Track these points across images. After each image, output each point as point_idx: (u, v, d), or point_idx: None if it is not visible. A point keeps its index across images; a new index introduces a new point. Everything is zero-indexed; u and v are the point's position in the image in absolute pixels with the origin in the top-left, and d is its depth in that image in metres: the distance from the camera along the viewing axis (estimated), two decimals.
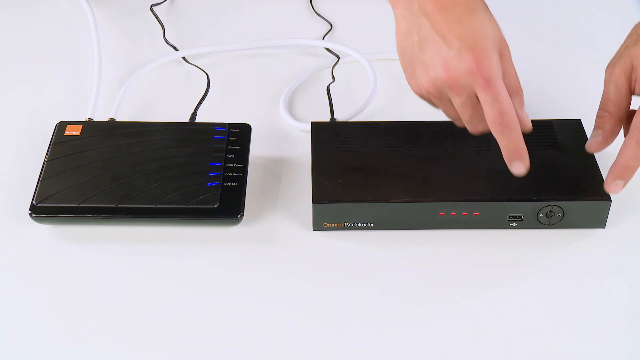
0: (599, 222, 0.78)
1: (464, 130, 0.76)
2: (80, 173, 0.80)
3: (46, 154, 0.82)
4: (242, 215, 0.78)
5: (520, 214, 0.77)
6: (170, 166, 0.80)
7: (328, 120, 0.89)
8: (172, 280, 0.75)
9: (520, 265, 0.77)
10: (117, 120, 0.88)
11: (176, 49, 1.00)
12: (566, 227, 0.78)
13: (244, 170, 0.81)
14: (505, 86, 0.71)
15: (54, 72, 0.98)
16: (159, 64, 0.98)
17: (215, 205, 0.78)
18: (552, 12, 1.07)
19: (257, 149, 0.85)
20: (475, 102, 0.72)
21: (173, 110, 0.92)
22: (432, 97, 0.75)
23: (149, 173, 0.80)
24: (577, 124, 0.84)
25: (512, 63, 0.73)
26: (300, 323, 0.72)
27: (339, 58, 0.99)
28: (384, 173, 0.79)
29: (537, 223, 0.78)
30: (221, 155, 0.82)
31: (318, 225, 0.78)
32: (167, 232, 0.79)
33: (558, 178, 0.78)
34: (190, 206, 0.77)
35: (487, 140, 0.74)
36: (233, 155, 0.82)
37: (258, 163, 0.85)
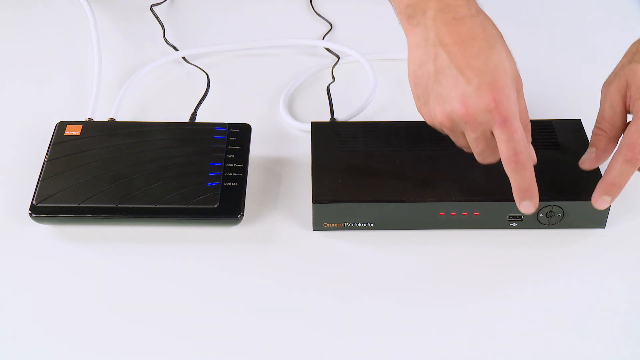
0: (599, 222, 0.78)
1: None
2: (80, 173, 0.80)
3: (46, 154, 0.82)
4: (242, 215, 0.78)
5: (520, 214, 0.77)
6: (170, 166, 0.80)
7: (328, 120, 0.89)
8: (172, 280, 0.75)
9: (520, 265, 0.77)
10: (117, 120, 0.88)
11: (176, 49, 1.01)
12: (566, 227, 0.79)
13: (244, 170, 0.81)
14: None
15: (54, 72, 0.98)
16: (159, 64, 0.98)
17: (215, 205, 0.78)
18: (552, 12, 1.07)
19: (257, 149, 0.85)
20: (489, 137, 0.72)
21: (173, 110, 0.92)
22: (444, 129, 0.74)
23: (149, 173, 0.80)
24: (577, 124, 0.84)
25: (523, 97, 0.73)
26: (300, 323, 0.72)
27: (339, 58, 0.99)
28: (384, 173, 0.79)
29: (537, 223, 0.78)
30: (221, 155, 0.82)
31: (318, 225, 0.78)
32: (167, 232, 0.79)
33: (558, 178, 0.78)
34: (190, 206, 0.77)
35: None
36: (233, 155, 0.82)
37: (258, 163, 0.85)
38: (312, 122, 0.85)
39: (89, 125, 0.85)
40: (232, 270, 0.76)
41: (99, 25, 1.01)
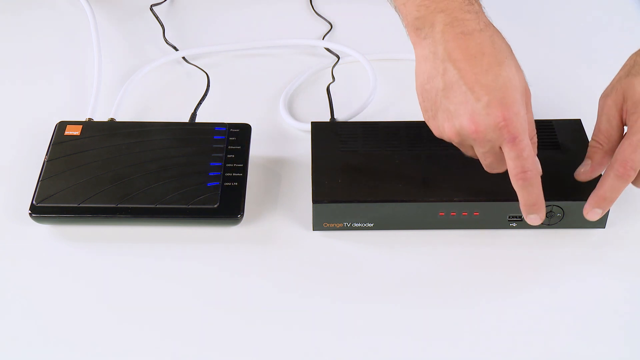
0: (599, 222, 0.78)
1: None
2: (80, 173, 0.80)
3: (46, 154, 0.82)
4: (242, 215, 0.78)
5: (520, 214, 0.77)
6: (170, 166, 0.80)
7: (328, 120, 0.89)
8: (172, 280, 0.75)
9: (520, 265, 0.77)
10: (117, 120, 0.88)
11: (176, 49, 1.01)
12: (566, 227, 0.79)
13: (244, 170, 0.81)
14: None
15: (54, 72, 0.98)
16: (159, 64, 0.98)
17: (215, 205, 0.78)
18: (552, 12, 1.07)
19: (257, 149, 0.85)
20: (498, 151, 0.72)
21: (173, 110, 0.92)
22: (453, 142, 0.74)
23: (149, 173, 0.80)
24: (577, 124, 0.84)
25: (531, 109, 0.73)
26: (300, 323, 0.72)
27: (339, 58, 0.99)
28: (384, 173, 0.79)
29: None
30: (221, 155, 0.82)
31: (318, 225, 0.78)
32: (167, 232, 0.79)
33: (558, 178, 0.78)
34: (190, 206, 0.77)
35: None
36: (233, 155, 0.82)
37: (258, 163, 0.85)
38: (312, 122, 0.85)
39: (89, 125, 0.85)
40: (232, 270, 0.76)
41: (99, 25, 1.01)
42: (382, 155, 0.81)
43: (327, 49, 1.00)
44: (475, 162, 0.76)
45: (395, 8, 0.76)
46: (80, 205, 0.77)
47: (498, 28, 0.73)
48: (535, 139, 0.73)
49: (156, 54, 1.00)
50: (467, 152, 0.76)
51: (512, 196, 0.75)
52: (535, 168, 0.71)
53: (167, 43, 1.02)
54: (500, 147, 0.71)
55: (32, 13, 1.07)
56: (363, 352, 0.70)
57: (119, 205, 0.77)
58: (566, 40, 1.02)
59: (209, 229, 0.79)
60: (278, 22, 1.06)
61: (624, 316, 0.73)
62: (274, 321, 0.72)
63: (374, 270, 0.76)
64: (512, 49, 0.73)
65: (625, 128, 0.74)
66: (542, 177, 0.73)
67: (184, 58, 0.99)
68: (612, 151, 0.74)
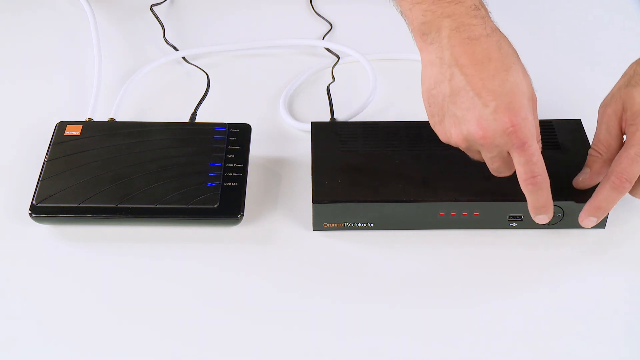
0: (599, 222, 0.78)
1: None
2: (80, 173, 0.80)
3: (46, 154, 0.82)
4: (242, 215, 0.78)
5: (520, 214, 0.77)
6: (170, 166, 0.80)
7: (328, 120, 0.89)
8: (172, 280, 0.75)
9: (520, 265, 0.77)
10: (117, 120, 0.88)
11: (176, 49, 1.00)
12: (566, 227, 0.79)
13: (244, 170, 0.81)
14: None
15: (54, 72, 0.98)
16: (159, 64, 0.98)
17: (215, 205, 0.78)
18: (552, 13, 1.07)
19: (257, 149, 0.85)
20: (506, 156, 0.72)
21: (173, 110, 0.92)
22: (460, 147, 0.74)
23: (149, 173, 0.80)
24: (577, 124, 0.84)
25: (537, 113, 0.72)
26: (300, 323, 0.72)
27: (339, 58, 0.99)
28: (384, 173, 0.79)
29: (538, 223, 0.78)
30: (221, 155, 0.82)
31: (318, 225, 0.78)
32: (167, 232, 0.79)
33: (558, 178, 0.78)
34: (190, 206, 0.77)
35: None
36: (233, 155, 0.82)
37: (258, 163, 0.85)
38: (312, 122, 0.85)
39: (89, 125, 0.85)
40: (232, 270, 0.76)
41: (99, 25, 1.01)
42: (382, 155, 0.81)
43: (327, 49, 1.00)
44: (475, 162, 0.76)
45: (401, 13, 0.75)
46: (80, 205, 0.77)
47: (513, 46, 0.73)
48: (540, 143, 0.73)
49: (156, 54, 1.00)
50: (474, 157, 0.76)
51: (512, 196, 0.75)
52: (544, 172, 0.71)
53: (167, 43, 1.02)
54: (508, 152, 0.71)
55: (32, 13, 1.07)
56: (363, 352, 0.70)
57: (119, 205, 0.77)
58: (566, 40, 1.02)
59: (209, 229, 0.79)
60: (278, 22, 1.06)
61: (624, 316, 0.73)
62: (274, 321, 0.72)
63: (374, 270, 0.76)
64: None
65: (625, 137, 0.74)
66: None
67: (184, 58, 0.99)
68: (611, 160, 0.74)
